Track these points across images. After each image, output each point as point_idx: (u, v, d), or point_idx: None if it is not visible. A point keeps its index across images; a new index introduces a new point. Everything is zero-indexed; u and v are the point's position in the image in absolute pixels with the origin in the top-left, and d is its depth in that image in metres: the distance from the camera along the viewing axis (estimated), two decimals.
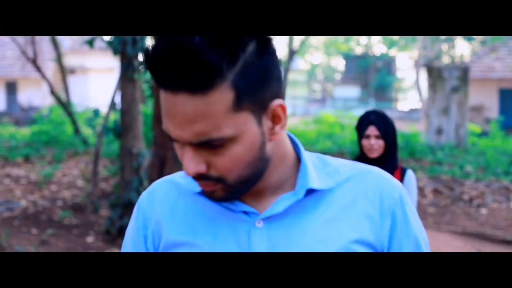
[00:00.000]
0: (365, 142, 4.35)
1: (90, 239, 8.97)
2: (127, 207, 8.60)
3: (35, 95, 36.38)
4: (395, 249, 1.43)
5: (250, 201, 1.43)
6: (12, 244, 7.95)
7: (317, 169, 1.44)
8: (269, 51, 1.30)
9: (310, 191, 1.41)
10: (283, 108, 1.34)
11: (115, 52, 8.61)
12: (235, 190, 1.35)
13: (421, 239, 1.48)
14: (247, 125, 1.29)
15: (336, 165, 1.48)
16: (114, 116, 10.68)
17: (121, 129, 8.71)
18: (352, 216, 1.41)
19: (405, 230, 1.44)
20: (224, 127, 1.26)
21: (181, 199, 1.48)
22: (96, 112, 9.18)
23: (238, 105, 1.26)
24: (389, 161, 4.34)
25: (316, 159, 1.48)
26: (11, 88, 38.45)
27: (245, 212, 1.42)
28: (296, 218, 1.40)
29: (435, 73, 19.23)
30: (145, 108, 11.27)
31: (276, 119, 1.34)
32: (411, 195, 4.31)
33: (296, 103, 44.82)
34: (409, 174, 4.38)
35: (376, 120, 4.33)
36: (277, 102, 1.33)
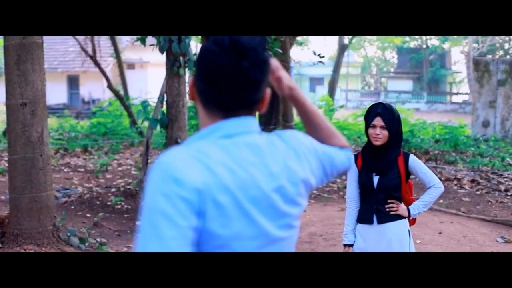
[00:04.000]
0: (371, 131, 4.85)
1: (139, 222, 9.66)
2: None
3: (96, 89, 37.50)
4: None
5: None
6: (67, 226, 8.67)
7: None
8: None
9: None
10: None
11: (162, 50, 9.29)
12: None
13: None
14: None
15: None
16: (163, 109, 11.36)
17: (168, 121, 9.39)
18: None
19: None
20: None
21: None
22: (145, 105, 9.86)
23: None
24: (392, 149, 4.86)
25: None
26: (73, 82, 39.69)
27: None
28: None
29: (482, 67, 19.45)
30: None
31: None
32: (423, 168, 4.90)
33: (350, 96, 45.05)
34: (412, 156, 4.91)
35: (382, 112, 4.79)
36: None
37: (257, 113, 1.96)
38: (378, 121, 4.79)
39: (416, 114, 31.31)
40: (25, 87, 7.52)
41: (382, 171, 4.84)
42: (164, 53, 9.39)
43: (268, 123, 21.21)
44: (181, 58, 9.34)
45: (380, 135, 4.78)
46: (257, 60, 1.85)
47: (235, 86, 1.83)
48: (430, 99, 44.93)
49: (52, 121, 23.97)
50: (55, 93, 39.13)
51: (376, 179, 4.85)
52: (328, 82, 31.94)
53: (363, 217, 4.92)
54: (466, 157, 15.93)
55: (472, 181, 13.03)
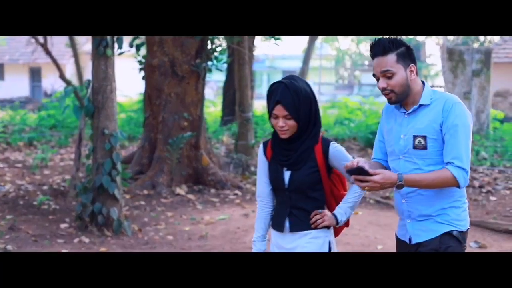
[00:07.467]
0: (273, 122, 3.67)
1: (64, 225, 8.47)
2: (99, 191, 8.06)
3: (59, 81, 36.24)
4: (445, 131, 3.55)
5: (406, 107, 3.65)
6: None
7: (426, 96, 3.61)
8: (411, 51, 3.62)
9: (421, 105, 3.61)
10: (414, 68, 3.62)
11: None
12: (398, 98, 3.57)
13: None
14: (399, 70, 3.55)
15: (439, 94, 3.63)
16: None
17: (93, 109, 8.19)
18: (430, 116, 3.58)
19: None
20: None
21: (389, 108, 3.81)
22: (67, 91, 8.65)
23: (397, 61, 3.56)
24: (305, 139, 3.68)
25: (431, 90, 3.64)
26: (35, 74, 38.40)
27: (403, 112, 3.66)
28: (415, 114, 3.61)
29: (456, 56, 18.45)
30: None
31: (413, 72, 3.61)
32: (346, 158, 3.68)
33: (323, 89, 44.08)
34: (333, 144, 3.72)
35: (283, 98, 3.59)
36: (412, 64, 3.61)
37: None
38: (279, 110, 3.61)
39: None
40: None
41: (293, 164, 3.67)
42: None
43: (233, 114, 20.16)
44: (109, 37, 8.14)
45: (285, 126, 3.62)
46: None
47: None
48: None
49: (4, 114, 22.71)
50: (17, 86, 37.82)
51: (287, 174, 3.69)
52: (298, 74, 30.94)
53: (274, 222, 3.79)
54: None
55: None
